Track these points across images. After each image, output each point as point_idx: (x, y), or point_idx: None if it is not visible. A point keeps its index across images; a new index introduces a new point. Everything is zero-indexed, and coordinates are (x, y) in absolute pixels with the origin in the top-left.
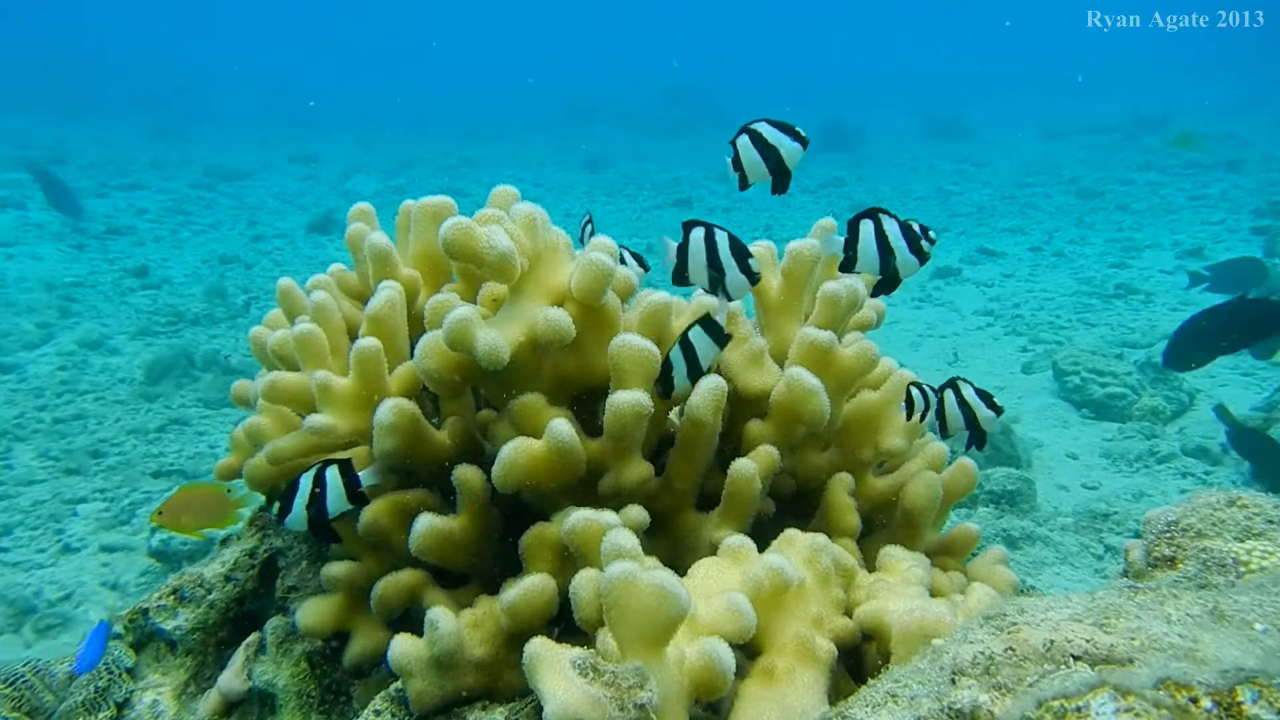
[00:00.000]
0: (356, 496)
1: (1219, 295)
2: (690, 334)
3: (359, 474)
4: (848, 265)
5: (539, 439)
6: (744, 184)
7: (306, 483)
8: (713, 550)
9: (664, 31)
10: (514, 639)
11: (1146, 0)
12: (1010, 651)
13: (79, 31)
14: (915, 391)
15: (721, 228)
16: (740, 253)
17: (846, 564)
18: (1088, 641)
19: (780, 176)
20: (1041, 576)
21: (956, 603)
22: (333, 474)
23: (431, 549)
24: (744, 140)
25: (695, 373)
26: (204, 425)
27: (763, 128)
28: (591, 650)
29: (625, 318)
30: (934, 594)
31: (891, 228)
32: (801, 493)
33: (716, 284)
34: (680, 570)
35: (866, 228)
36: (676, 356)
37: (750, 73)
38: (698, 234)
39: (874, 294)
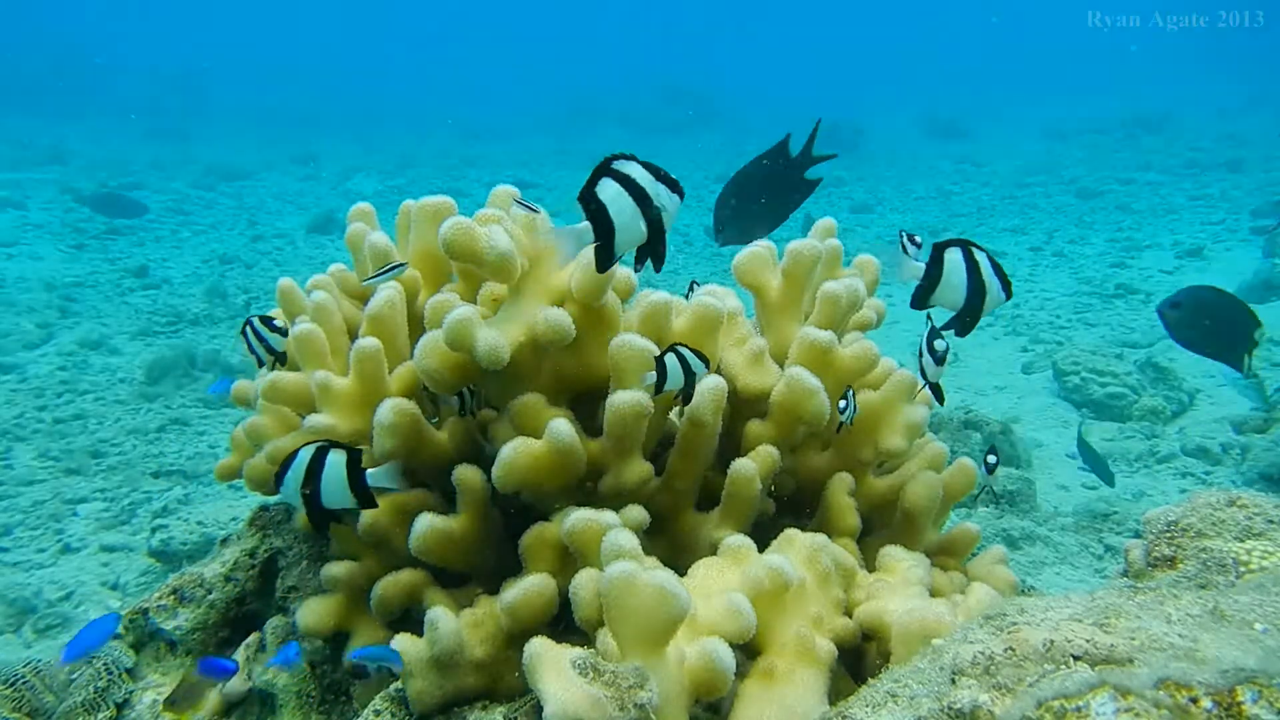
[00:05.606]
0: (364, 496)
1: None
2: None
3: (368, 471)
4: (924, 294)
5: (539, 439)
6: (606, 258)
7: (303, 460)
8: (713, 550)
9: (665, 32)
10: (514, 639)
11: (1146, 0)
12: (1010, 651)
13: (78, 32)
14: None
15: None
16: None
17: (846, 564)
18: (1088, 641)
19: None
20: (1041, 576)
21: (956, 602)
22: (336, 460)
23: (431, 549)
24: (611, 187)
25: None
26: (204, 425)
27: (634, 170)
28: (591, 650)
29: (625, 317)
30: (934, 594)
31: (982, 259)
32: (801, 493)
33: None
34: (680, 570)
35: (954, 256)
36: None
37: (751, 73)
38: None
39: (960, 332)
